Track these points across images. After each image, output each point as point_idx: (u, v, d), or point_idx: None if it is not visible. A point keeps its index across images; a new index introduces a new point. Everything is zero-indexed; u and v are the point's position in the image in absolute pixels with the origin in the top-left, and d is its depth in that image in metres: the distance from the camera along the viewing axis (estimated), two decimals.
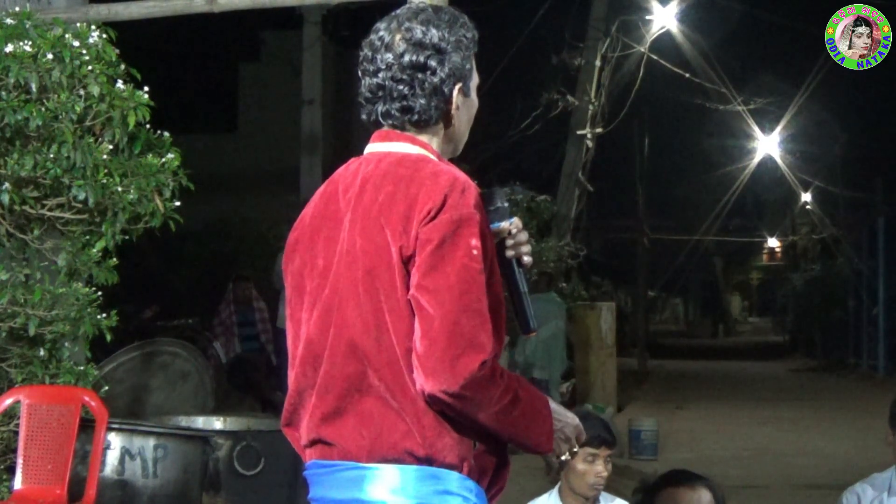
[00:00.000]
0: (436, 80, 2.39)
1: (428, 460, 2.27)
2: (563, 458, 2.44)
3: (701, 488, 3.61)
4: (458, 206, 2.26)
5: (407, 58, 2.38)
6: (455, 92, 2.43)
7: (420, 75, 2.39)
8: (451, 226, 2.24)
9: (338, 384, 2.31)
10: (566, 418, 2.41)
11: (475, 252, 2.25)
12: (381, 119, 2.44)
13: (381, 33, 2.43)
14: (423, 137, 2.44)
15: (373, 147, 2.46)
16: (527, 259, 2.52)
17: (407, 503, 2.26)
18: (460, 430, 2.27)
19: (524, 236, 2.54)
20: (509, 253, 2.51)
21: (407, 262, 2.26)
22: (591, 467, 3.99)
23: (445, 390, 2.19)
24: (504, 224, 2.51)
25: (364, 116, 2.48)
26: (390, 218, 2.29)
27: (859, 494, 4.25)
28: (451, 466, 2.28)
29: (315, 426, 2.35)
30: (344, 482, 2.32)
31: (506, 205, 2.54)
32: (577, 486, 4.01)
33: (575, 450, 2.45)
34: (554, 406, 2.39)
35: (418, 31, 2.39)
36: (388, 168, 2.36)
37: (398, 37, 2.40)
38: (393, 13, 2.46)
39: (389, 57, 2.39)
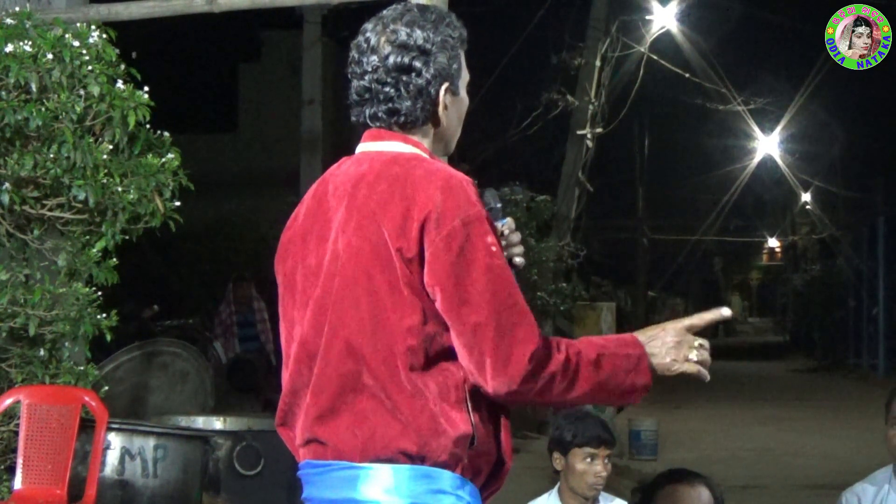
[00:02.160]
0: (421, 81, 2.39)
1: (421, 459, 2.27)
2: (694, 359, 2.37)
3: (700, 486, 3.62)
4: (461, 206, 2.27)
5: (392, 60, 2.38)
6: (442, 92, 2.43)
7: (405, 77, 2.39)
8: (463, 230, 2.25)
9: (332, 383, 2.31)
10: (663, 337, 2.37)
11: (493, 248, 2.27)
12: (368, 121, 2.45)
13: (368, 35, 2.43)
14: (414, 137, 2.44)
15: (364, 146, 2.47)
16: (518, 260, 2.52)
17: (400, 502, 2.26)
18: (457, 431, 2.27)
19: (517, 237, 2.54)
20: None
21: (408, 263, 2.26)
22: (591, 467, 3.99)
23: (508, 391, 2.23)
24: (497, 225, 2.51)
25: (353, 118, 2.48)
26: (386, 217, 2.28)
27: (859, 495, 4.24)
28: (444, 465, 2.28)
29: (309, 425, 2.35)
30: (337, 482, 2.32)
31: (498, 206, 2.53)
32: (577, 486, 4.02)
33: (700, 343, 2.38)
34: (645, 339, 2.36)
35: (402, 33, 2.40)
36: (382, 167, 2.36)
37: (383, 39, 2.40)
38: (379, 14, 2.46)
39: (375, 59, 2.40)
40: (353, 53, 2.45)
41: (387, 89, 2.39)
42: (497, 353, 2.22)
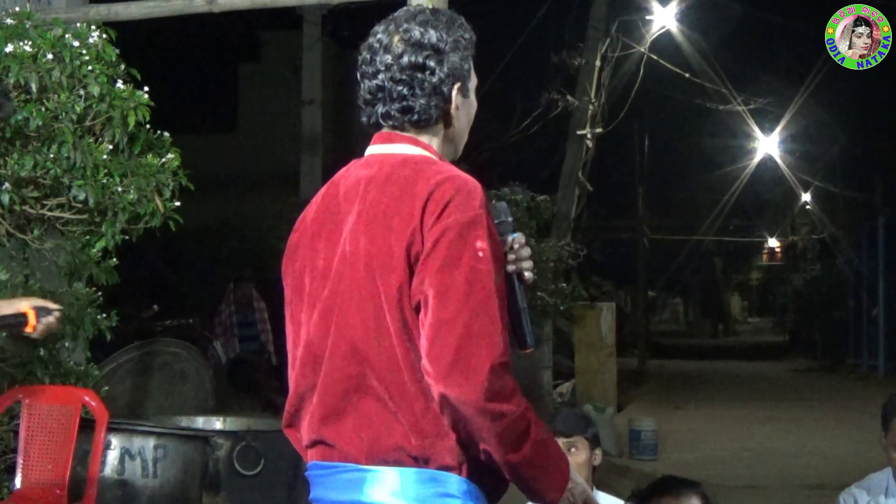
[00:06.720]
0: (435, 79, 2.40)
1: (425, 462, 2.26)
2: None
3: (687, 497, 3.52)
4: (464, 207, 2.26)
5: (406, 58, 2.39)
6: (454, 92, 2.43)
7: (419, 75, 2.39)
8: (458, 228, 2.23)
9: (338, 385, 2.31)
10: (577, 479, 2.36)
11: (481, 254, 2.23)
12: (381, 120, 2.44)
13: (380, 35, 2.44)
14: (424, 138, 2.44)
15: (374, 149, 2.47)
16: (528, 275, 2.49)
17: None
18: (460, 433, 2.26)
19: (526, 252, 2.50)
20: (510, 268, 2.47)
21: (414, 263, 2.25)
22: (570, 458, 3.97)
23: (459, 398, 2.16)
24: (507, 238, 2.49)
25: (364, 119, 2.48)
26: (396, 219, 2.28)
27: (856, 497, 4.24)
28: (450, 468, 2.27)
29: (315, 427, 2.35)
30: (344, 484, 2.32)
31: (510, 219, 2.51)
32: None
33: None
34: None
35: (416, 32, 2.40)
36: (392, 170, 2.36)
37: (396, 38, 2.41)
38: (391, 16, 2.47)
39: (388, 58, 2.40)
40: (365, 54, 2.45)
41: (400, 88, 2.39)
42: (458, 354, 2.17)
